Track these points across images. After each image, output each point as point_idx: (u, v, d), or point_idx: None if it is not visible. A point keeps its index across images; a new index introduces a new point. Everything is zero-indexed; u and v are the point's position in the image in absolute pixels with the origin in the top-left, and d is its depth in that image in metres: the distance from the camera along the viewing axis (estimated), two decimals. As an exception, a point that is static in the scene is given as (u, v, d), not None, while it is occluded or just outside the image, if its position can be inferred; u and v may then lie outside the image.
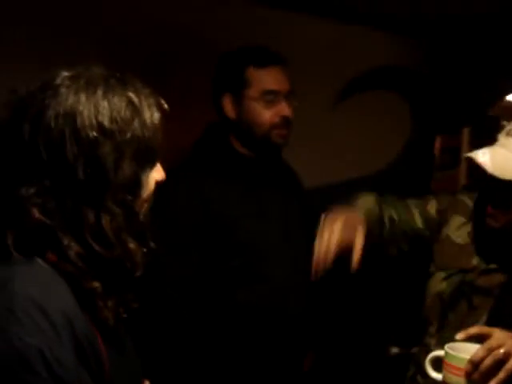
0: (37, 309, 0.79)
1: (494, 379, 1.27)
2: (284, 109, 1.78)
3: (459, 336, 1.35)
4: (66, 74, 0.91)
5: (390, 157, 3.64)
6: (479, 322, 1.53)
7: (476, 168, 1.46)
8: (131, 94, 0.92)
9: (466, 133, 3.72)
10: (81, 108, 0.86)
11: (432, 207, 1.78)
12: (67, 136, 0.85)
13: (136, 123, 0.91)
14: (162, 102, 1.00)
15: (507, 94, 3.59)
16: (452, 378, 1.32)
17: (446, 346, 1.36)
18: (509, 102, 3.94)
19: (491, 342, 1.29)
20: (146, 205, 0.98)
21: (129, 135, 0.90)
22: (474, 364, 1.28)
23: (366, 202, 1.79)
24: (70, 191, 0.86)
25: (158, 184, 1.01)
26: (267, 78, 1.79)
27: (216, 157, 1.88)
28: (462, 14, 3.07)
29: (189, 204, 1.79)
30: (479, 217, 1.61)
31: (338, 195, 3.31)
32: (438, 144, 3.72)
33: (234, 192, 1.83)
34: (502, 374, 1.27)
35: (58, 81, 0.89)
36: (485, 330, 1.35)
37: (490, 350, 1.27)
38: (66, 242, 0.85)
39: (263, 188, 1.88)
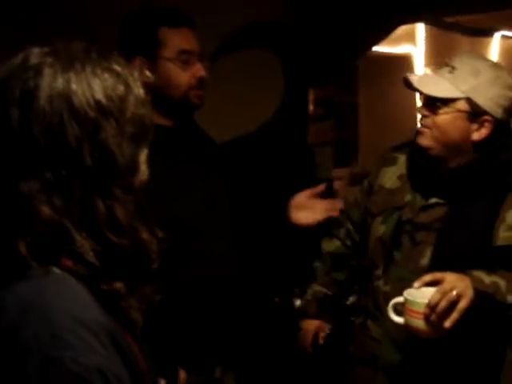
0: (81, 326, 0.70)
1: (448, 319, 1.42)
2: (200, 69, 1.71)
3: (416, 285, 1.48)
4: (42, 50, 0.80)
5: (267, 113, 3.67)
6: (424, 257, 1.63)
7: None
8: (117, 68, 0.83)
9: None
10: (74, 87, 0.77)
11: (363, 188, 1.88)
12: (66, 119, 0.76)
13: (131, 99, 0.83)
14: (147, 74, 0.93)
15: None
16: (413, 321, 1.47)
17: (405, 293, 1.49)
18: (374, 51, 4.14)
19: (444, 286, 1.42)
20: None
21: (128, 113, 0.82)
22: (431, 307, 1.42)
23: (327, 245, 1.93)
24: (77, 181, 0.76)
25: None
26: (182, 38, 1.72)
27: None
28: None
29: None
30: (414, 155, 1.72)
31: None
32: (310, 97, 3.80)
33: (155, 166, 1.75)
34: (455, 314, 1.42)
35: (37, 59, 0.78)
36: (438, 275, 1.47)
37: (444, 294, 1.41)
38: (79, 239, 0.75)
39: (184, 159, 1.80)
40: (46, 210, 0.73)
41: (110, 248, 0.77)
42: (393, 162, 1.79)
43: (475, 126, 1.59)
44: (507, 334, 1.60)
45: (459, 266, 1.53)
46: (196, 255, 1.72)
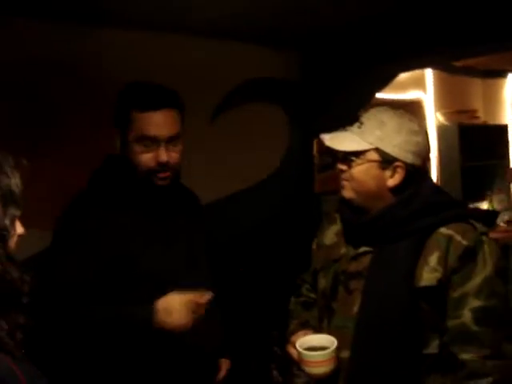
0: None
1: None
2: (160, 155, 1.79)
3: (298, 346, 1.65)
4: None
5: (273, 165, 3.78)
6: (356, 304, 1.69)
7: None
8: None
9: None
10: None
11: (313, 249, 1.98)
12: None
13: (4, 181, 1.10)
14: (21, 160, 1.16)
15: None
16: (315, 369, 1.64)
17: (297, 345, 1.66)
18: (377, 99, 4.22)
19: None
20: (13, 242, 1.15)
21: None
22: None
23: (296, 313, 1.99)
24: None
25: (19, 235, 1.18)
26: (144, 123, 1.80)
27: (115, 186, 1.90)
28: (331, 26, 3.23)
29: (89, 232, 1.81)
30: (341, 208, 1.81)
31: (226, 208, 3.47)
32: (316, 147, 3.89)
33: (136, 221, 1.85)
34: None
35: None
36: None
37: None
38: None
39: (165, 215, 1.90)
40: None
41: None
42: (334, 220, 1.88)
43: (389, 173, 1.66)
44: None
45: (385, 308, 1.62)
46: None
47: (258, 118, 3.66)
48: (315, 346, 1.65)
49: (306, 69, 3.89)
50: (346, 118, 3.39)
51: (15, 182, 1.11)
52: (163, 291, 1.80)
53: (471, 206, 4.93)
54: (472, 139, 5.16)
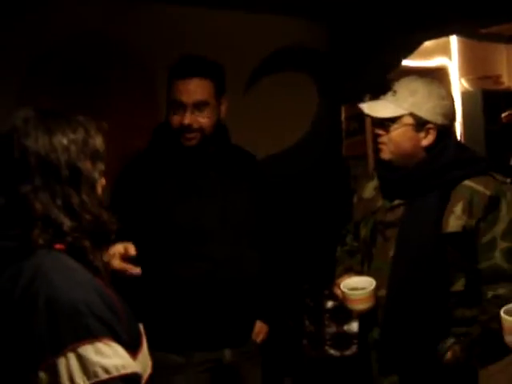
0: (70, 278, 1.16)
1: None
2: (183, 118, 2.03)
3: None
4: (26, 116, 1.24)
5: (303, 129, 3.95)
6: (391, 249, 1.93)
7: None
8: (78, 120, 1.29)
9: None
10: (52, 137, 1.22)
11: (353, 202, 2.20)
12: (48, 150, 1.21)
13: (88, 137, 1.28)
14: (101, 122, 1.35)
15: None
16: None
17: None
18: (403, 66, 4.35)
19: None
20: (100, 190, 1.34)
21: (87, 145, 1.28)
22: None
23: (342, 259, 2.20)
24: (59, 184, 1.20)
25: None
26: (174, 90, 2.07)
27: (158, 148, 2.18)
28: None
29: (128, 187, 2.11)
30: (378, 168, 2.05)
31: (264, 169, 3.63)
32: (343, 113, 4.07)
33: (173, 179, 2.11)
34: None
35: (23, 117, 1.24)
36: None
37: None
38: (60, 219, 1.18)
39: (197, 173, 2.13)
40: (37, 205, 1.17)
41: (82, 222, 1.21)
42: (372, 177, 2.11)
43: (422, 134, 1.88)
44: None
45: (416, 252, 1.86)
46: (196, 257, 2.06)
47: (289, 86, 3.79)
48: (357, 286, 1.90)
49: (333, 38, 4.01)
50: (373, 86, 3.55)
51: (99, 142, 1.30)
52: (198, 244, 2.06)
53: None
54: (496, 104, 5.28)
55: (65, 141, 1.23)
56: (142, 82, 3.13)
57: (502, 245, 1.80)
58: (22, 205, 1.18)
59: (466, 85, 5.35)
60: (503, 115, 5.31)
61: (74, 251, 1.20)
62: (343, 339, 3.30)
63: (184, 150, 2.10)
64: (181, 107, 2.05)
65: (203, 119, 2.06)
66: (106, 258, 1.31)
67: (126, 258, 1.71)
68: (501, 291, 1.79)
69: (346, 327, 3.29)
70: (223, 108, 2.17)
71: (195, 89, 2.05)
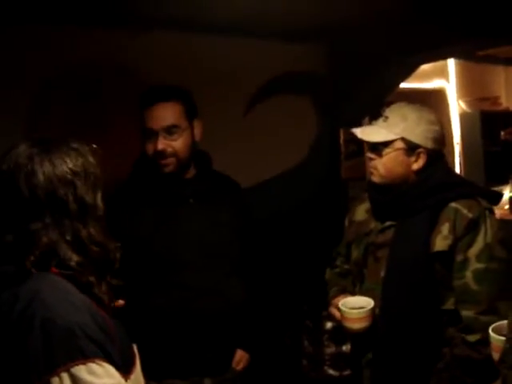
0: (68, 303, 1.18)
1: None
2: (156, 144, 2.06)
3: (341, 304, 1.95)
4: (28, 150, 1.26)
5: (302, 153, 4.01)
6: (382, 270, 1.99)
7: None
8: (75, 146, 1.32)
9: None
10: (57, 165, 1.25)
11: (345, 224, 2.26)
12: (55, 184, 1.23)
13: (87, 164, 1.30)
14: (93, 146, 1.37)
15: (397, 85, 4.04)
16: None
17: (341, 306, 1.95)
18: (401, 88, 4.39)
19: None
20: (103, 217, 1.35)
21: (88, 173, 1.30)
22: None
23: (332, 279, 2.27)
24: (67, 218, 1.23)
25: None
26: (143, 119, 2.09)
27: (138, 176, 2.20)
28: (355, 19, 3.40)
29: (110, 219, 2.11)
30: (369, 190, 2.11)
31: (260, 194, 3.69)
32: (342, 136, 4.12)
33: (152, 208, 2.13)
34: None
35: (26, 154, 1.26)
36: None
37: None
38: (67, 254, 1.22)
39: (180, 202, 2.14)
40: (44, 239, 1.21)
41: (89, 254, 1.24)
42: (363, 200, 2.18)
43: (413, 158, 1.96)
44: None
45: (406, 271, 1.92)
46: (173, 286, 2.07)
47: (288, 110, 3.87)
48: (354, 306, 1.95)
49: (332, 62, 4.08)
50: (371, 108, 3.59)
51: (97, 168, 1.32)
52: (177, 272, 2.07)
53: (495, 188, 5.08)
54: (494, 125, 5.33)
55: (69, 175, 1.25)
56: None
57: (474, 265, 1.86)
58: (29, 240, 1.21)
59: (464, 106, 5.40)
60: (503, 133, 5.37)
61: (79, 284, 1.23)
62: (342, 359, 3.32)
63: (162, 177, 2.12)
64: (152, 134, 2.07)
65: (175, 142, 2.08)
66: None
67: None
68: (464, 313, 1.86)
69: (344, 348, 3.32)
70: (197, 131, 2.17)
71: (163, 114, 2.08)
